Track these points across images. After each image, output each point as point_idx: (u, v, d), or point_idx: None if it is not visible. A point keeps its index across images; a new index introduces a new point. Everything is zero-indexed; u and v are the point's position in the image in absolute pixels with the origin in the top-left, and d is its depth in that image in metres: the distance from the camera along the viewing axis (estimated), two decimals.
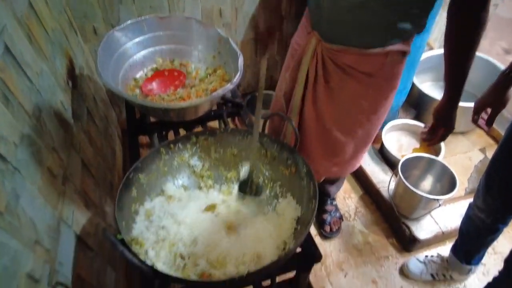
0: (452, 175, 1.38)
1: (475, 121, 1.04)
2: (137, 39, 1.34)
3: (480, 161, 1.84)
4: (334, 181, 1.46)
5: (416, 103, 2.00)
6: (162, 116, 1.21)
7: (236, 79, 1.17)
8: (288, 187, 0.99)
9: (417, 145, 1.80)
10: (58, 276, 0.81)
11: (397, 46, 0.92)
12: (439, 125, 1.02)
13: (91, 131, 1.36)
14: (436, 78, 2.24)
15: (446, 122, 1.00)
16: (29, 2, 1.04)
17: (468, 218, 1.19)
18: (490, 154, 1.88)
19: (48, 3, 1.22)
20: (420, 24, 0.91)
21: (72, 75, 1.31)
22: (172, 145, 1.01)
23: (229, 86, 1.14)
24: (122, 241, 0.76)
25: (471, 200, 1.56)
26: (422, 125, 1.82)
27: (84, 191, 1.13)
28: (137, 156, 1.20)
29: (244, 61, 1.23)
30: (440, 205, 1.33)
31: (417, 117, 2.02)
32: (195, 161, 1.06)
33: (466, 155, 1.88)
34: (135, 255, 0.73)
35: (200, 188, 1.05)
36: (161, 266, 0.82)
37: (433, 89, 2.20)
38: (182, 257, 0.84)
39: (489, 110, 1.01)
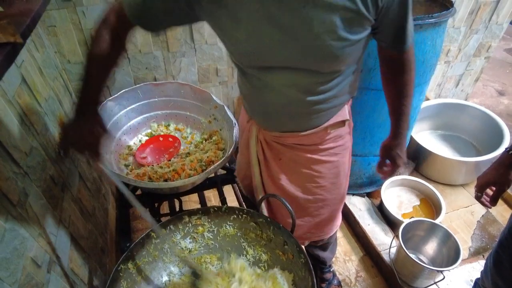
0: (456, 243, 1.33)
1: (478, 198, 1.01)
2: (131, 106, 1.33)
3: (483, 216, 1.79)
4: (325, 246, 1.39)
5: (414, 155, 1.98)
6: (156, 190, 1.19)
7: (230, 152, 1.15)
8: (289, 270, 0.94)
9: (418, 202, 1.76)
10: None
11: (335, 118, 0.94)
12: (386, 160, 1.07)
13: (82, 198, 1.31)
14: (433, 126, 2.23)
15: (393, 158, 1.03)
16: (22, 78, 1.02)
17: None
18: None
19: (42, 72, 1.21)
20: (353, 89, 0.94)
21: None
22: (163, 229, 0.97)
23: (223, 161, 1.12)
24: None
25: (476, 263, 1.52)
26: (422, 181, 1.79)
27: (72, 270, 1.08)
28: (127, 233, 1.16)
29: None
30: (444, 277, 1.27)
31: (416, 169, 2.00)
32: (187, 242, 1.02)
33: (468, 209, 1.84)
34: None
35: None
36: None
37: (431, 139, 2.19)
38: None
39: (493, 187, 0.98)
